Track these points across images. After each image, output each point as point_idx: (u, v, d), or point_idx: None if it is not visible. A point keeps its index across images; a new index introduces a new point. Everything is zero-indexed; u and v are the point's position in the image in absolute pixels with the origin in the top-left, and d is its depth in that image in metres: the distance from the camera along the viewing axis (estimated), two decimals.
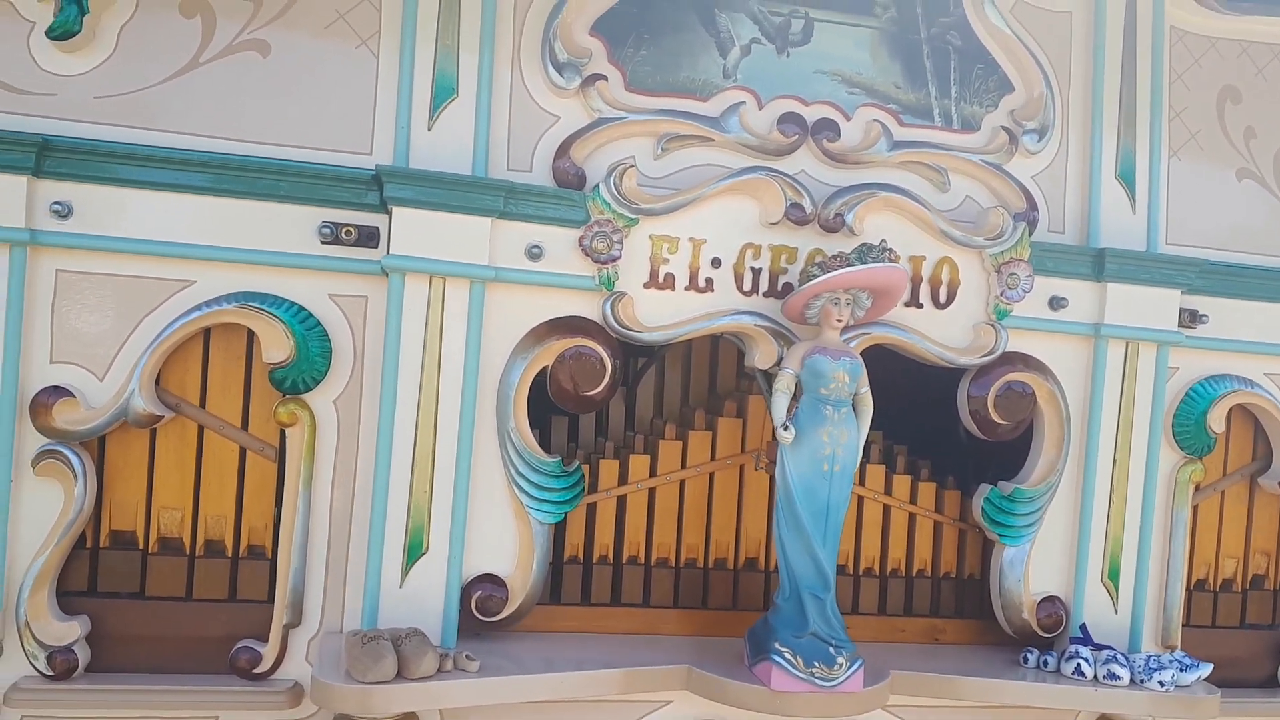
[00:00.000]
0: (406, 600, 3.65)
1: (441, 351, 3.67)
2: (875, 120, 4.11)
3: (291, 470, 3.69)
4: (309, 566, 3.71)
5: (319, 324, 3.65)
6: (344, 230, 3.66)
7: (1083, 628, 4.16)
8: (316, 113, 3.72)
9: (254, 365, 3.74)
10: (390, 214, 3.63)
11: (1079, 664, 3.97)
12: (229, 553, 3.77)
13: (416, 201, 3.59)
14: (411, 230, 3.61)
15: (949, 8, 4.23)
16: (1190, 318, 4.33)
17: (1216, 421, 4.36)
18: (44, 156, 3.45)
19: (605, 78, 3.89)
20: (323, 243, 3.66)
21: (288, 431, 3.69)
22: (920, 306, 4.03)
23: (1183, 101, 4.48)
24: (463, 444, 3.69)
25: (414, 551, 3.67)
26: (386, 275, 3.65)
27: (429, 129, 3.75)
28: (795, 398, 3.69)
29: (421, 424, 3.67)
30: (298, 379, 3.63)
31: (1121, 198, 4.32)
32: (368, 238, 3.69)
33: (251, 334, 3.68)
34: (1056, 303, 4.14)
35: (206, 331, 3.71)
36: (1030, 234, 4.09)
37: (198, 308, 3.59)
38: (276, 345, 3.59)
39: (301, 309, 3.64)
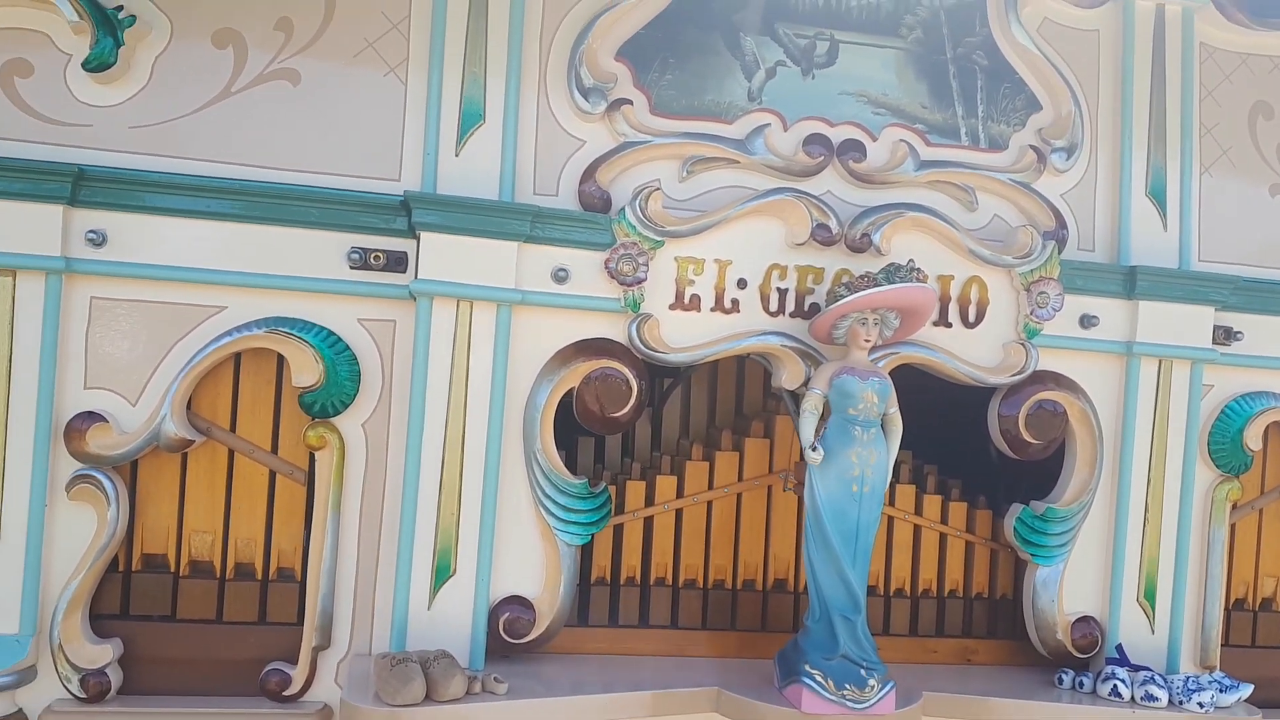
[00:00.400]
0: (434, 622, 3.66)
1: (469, 374, 3.69)
2: (902, 140, 4.11)
3: (320, 493, 3.71)
4: (338, 589, 3.73)
5: (348, 348, 3.69)
6: (373, 255, 3.70)
7: (1119, 648, 4.10)
8: (346, 140, 3.77)
9: (284, 389, 3.78)
10: (418, 239, 3.66)
11: (1115, 685, 3.91)
12: (259, 575, 3.80)
13: (444, 226, 3.63)
14: (439, 255, 3.64)
15: (975, 27, 4.23)
16: (1225, 335, 4.28)
17: (1253, 439, 4.29)
18: (79, 186, 3.51)
19: (631, 102, 3.91)
20: (352, 268, 3.70)
21: (317, 455, 3.72)
22: (949, 326, 4.01)
23: (1214, 118, 4.44)
24: (489, 466, 3.71)
25: (441, 574, 3.68)
26: (414, 299, 3.68)
27: (456, 155, 3.78)
28: (823, 418, 3.67)
29: (449, 447, 3.68)
30: (327, 403, 3.66)
31: (1152, 215, 4.28)
32: (396, 263, 3.72)
33: (281, 358, 3.72)
34: (1087, 321, 4.10)
35: (237, 356, 3.75)
36: (1060, 252, 4.07)
37: (228, 333, 3.64)
38: (306, 369, 3.63)
39: (331, 333, 3.68)
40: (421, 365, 3.66)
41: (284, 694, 3.68)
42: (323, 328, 3.68)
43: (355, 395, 3.70)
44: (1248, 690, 3.95)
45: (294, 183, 3.70)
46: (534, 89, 3.89)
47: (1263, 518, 4.58)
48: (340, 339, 3.69)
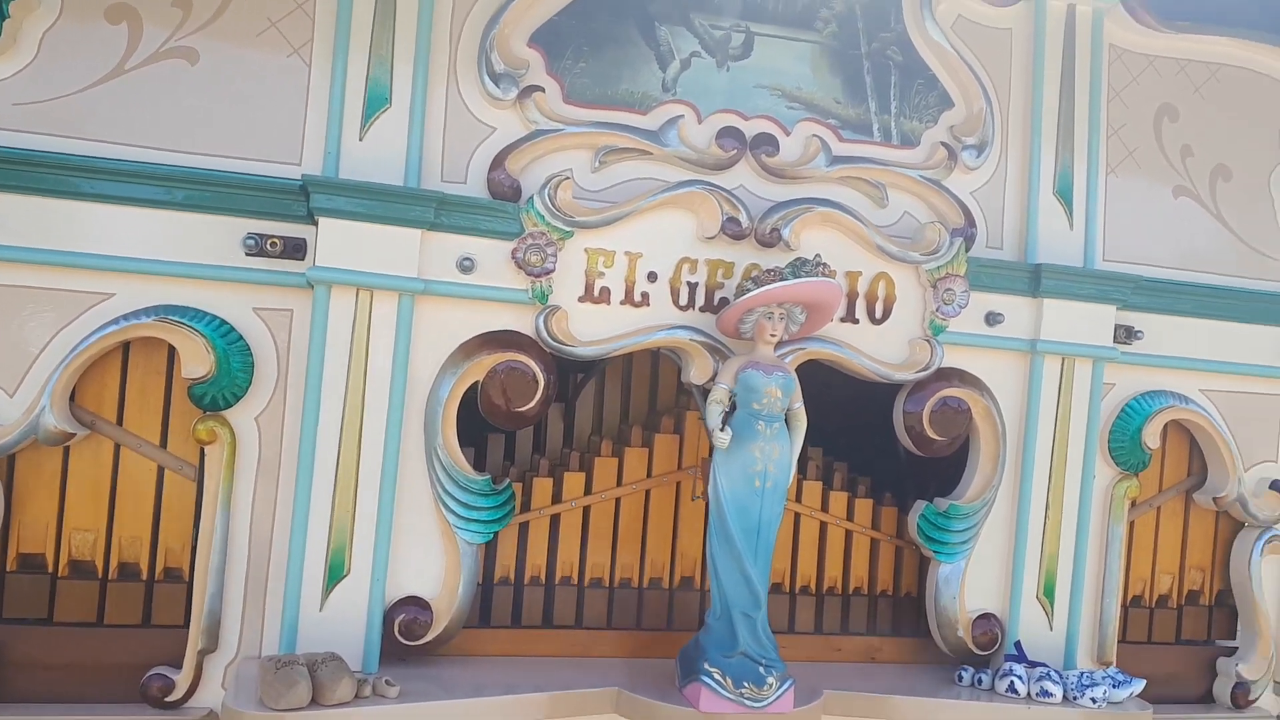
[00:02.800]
0: (327, 624, 3.55)
1: (368, 366, 3.59)
2: (815, 135, 4.10)
3: (210, 490, 3.58)
4: (227, 589, 3.60)
5: (241, 338, 3.56)
6: (269, 241, 3.58)
7: (1017, 645, 4.15)
8: (245, 122, 3.64)
9: (174, 381, 3.63)
10: (317, 225, 3.54)
11: (1012, 682, 3.96)
12: (144, 576, 3.65)
13: (343, 212, 3.52)
14: (338, 241, 3.53)
15: (890, 23, 4.22)
16: (1126, 334, 4.35)
17: (1152, 437, 4.37)
18: None
19: (543, 89, 3.84)
20: (247, 254, 3.58)
21: (207, 450, 3.58)
22: (856, 322, 4.01)
23: (1121, 119, 4.51)
24: (388, 462, 3.61)
25: (335, 573, 3.57)
26: (312, 288, 3.56)
27: (360, 139, 3.68)
28: (730, 412, 3.65)
29: (345, 441, 3.58)
30: (218, 395, 3.53)
31: (1059, 214, 4.33)
32: (294, 249, 3.60)
33: (172, 349, 3.57)
34: (993, 318, 4.14)
35: (125, 346, 3.60)
36: (968, 250, 4.09)
37: (115, 321, 3.49)
38: (196, 360, 3.49)
39: (223, 323, 3.55)
40: (317, 356, 3.55)
41: (167, 700, 3.53)
42: (215, 316, 3.55)
43: (248, 387, 3.57)
44: (1140, 685, 4.03)
45: (188, 165, 3.55)
46: (443, 74, 3.79)
47: (1160, 515, 4.68)
48: (233, 328, 3.56)
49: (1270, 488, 4.61)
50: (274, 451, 3.63)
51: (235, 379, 3.54)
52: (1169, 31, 4.53)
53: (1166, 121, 4.58)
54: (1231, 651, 4.68)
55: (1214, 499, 4.57)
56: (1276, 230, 4.72)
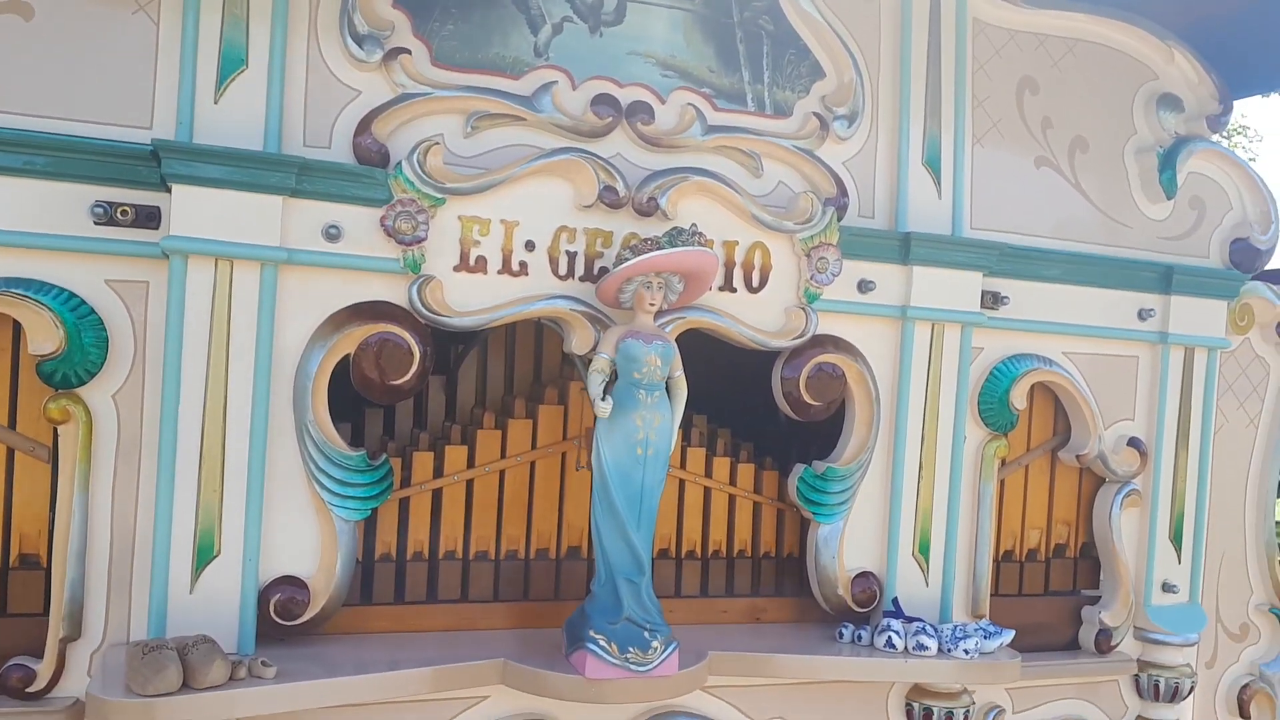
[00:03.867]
0: (197, 607, 3.40)
1: (229, 340, 3.43)
2: (689, 104, 4.09)
3: (65, 471, 3.38)
4: (90, 574, 3.40)
5: (93, 312, 3.36)
6: (119, 210, 3.38)
7: (895, 601, 4.27)
8: (88, 83, 3.42)
9: (22, 358, 3.42)
10: (171, 192, 3.37)
11: (890, 637, 4.07)
12: None
13: (198, 178, 3.35)
14: (194, 209, 3.36)
15: None
16: (993, 299, 4.48)
17: (1019, 399, 4.53)
18: None
19: (409, 51, 3.72)
20: (96, 223, 3.37)
21: (61, 430, 3.38)
22: (734, 290, 4.04)
23: (985, 91, 4.62)
24: (255, 439, 3.47)
25: (204, 555, 3.42)
26: (168, 258, 3.39)
27: (215, 102, 3.50)
28: (612, 381, 3.64)
29: (209, 418, 3.42)
30: (69, 372, 3.33)
31: (928, 183, 4.43)
32: (147, 218, 3.42)
33: (18, 324, 3.35)
34: (865, 286, 4.22)
35: None
36: (840, 219, 4.15)
37: None
38: (44, 336, 3.28)
39: (73, 296, 3.34)
40: (175, 330, 3.38)
41: (28, 691, 3.33)
42: (63, 289, 3.34)
43: (103, 363, 3.38)
44: (1009, 636, 4.20)
45: (27, 128, 3.33)
46: (303, 34, 3.63)
47: (1028, 473, 4.86)
48: (84, 302, 3.36)
49: (1128, 444, 4.83)
50: (134, 430, 3.45)
51: (88, 355, 3.35)
52: (1029, 7, 4.67)
53: (1028, 94, 4.71)
54: (1095, 600, 4.90)
55: (1077, 456, 4.76)
56: (1131, 200, 4.91)
